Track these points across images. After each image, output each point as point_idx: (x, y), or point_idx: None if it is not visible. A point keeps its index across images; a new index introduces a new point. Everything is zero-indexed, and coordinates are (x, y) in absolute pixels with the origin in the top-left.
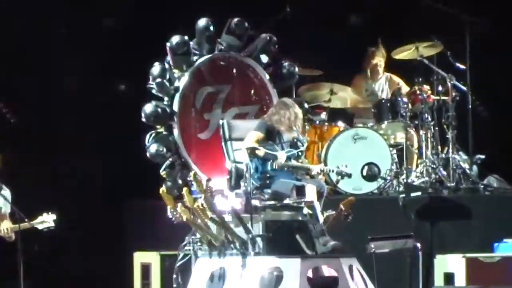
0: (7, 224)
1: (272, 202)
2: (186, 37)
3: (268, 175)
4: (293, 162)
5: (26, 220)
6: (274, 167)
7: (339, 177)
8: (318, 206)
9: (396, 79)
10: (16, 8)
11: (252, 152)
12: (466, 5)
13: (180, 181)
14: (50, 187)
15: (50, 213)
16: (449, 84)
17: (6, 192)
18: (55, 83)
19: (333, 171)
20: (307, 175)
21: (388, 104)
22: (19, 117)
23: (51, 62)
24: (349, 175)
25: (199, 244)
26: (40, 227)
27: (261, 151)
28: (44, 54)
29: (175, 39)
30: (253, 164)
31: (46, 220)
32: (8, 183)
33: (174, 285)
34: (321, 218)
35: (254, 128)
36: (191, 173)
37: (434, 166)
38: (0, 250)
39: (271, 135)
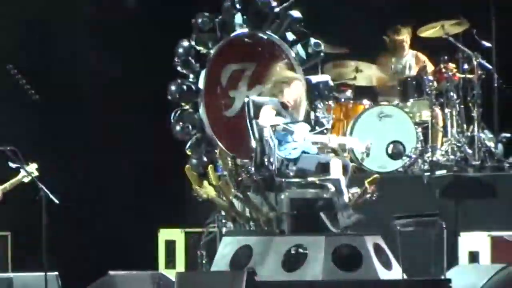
0: None
1: (296, 180)
2: (212, 15)
3: (294, 147)
4: (310, 136)
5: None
6: (296, 140)
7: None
8: (343, 180)
9: (422, 57)
10: None
11: (274, 129)
12: None
13: (205, 159)
14: (74, 161)
15: (29, 163)
16: (475, 62)
17: None
18: (79, 61)
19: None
20: (332, 152)
21: (414, 82)
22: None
23: (76, 40)
24: (368, 154)
25: (224, 221)
26: (26, 180)
27: (280, 127)
28: (68, 32)
29: (201, 16)
30: (277, 141)
31: (30, 171)
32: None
33: (199, 262)
34: (345, 192)
35: (265, 104)
36: (217, 151)
37: (459, 145)
38: (22, 226)
39: (282, 111)
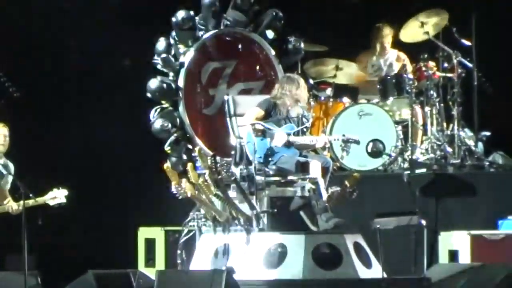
0: (11, 201)
1: (276, 178)
2: (191, 12)
3: (272, 151)
4: (298, 139)
5: (31, 196)
6: (273, 145)
7: (346, 145)
8: (322, 182)
9: (402, 55)
10: None
11: (253, 128)
12: None
13: (184, 157)
14: (54, 161)
15: (60, 188)
16: (455, 61)
17: (9, 167)
18: (61, 58)
19: (338, 139)
20: (312, 151)
21: (394, 81)
22: (25, 90)
23: (57, 36)
24: (357, 142)
25: (203, 220)
26: (51, 203)
27: (260, 127)
28: (52, 29)
29: (181, 14)
30: (257, 140)
31: (58, 196)
32: (13, 157)
33: (178, 261)
34: (324, 195)
35: (256, 105)
36: (196, 149)
37: (439, 143)
38: (3, 225)
39: (273, 112)
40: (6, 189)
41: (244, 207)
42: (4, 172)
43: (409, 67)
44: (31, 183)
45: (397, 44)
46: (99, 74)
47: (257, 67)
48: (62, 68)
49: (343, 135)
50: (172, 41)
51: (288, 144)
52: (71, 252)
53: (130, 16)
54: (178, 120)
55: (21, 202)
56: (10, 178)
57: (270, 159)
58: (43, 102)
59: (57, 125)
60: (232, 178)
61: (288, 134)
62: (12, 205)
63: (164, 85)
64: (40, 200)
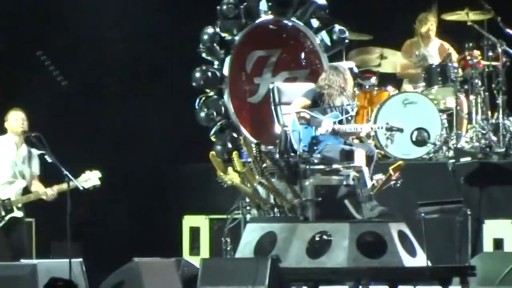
0: (41, 187)
1: (321, 167)
2: (236, 1)
3: (316, 139)
4: (342, 127)
5: (68, 178)
6: (319, 133)
7: (390, 133)
8: (366, 171)
9: (446, 45)
10: None
11: (299, 116)
12: None
13: (229, 145)
14: (99, 149)
15: (93, 170)
16: (499, 50)
17: (35, 154)
18: (107, 47)
19: (382, 127)
20: (357, 139)
21: (438, 69)
22: (70, 81)
23: (102, 26)
24: (401, 130)
25: (248, 208)
26: (86, 185)
27: (306, 115)
28: (94, 19)
29: (226, 3)
30: (302, 128)
31: (91, 178)
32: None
33: (223, 249)
34: (369, 183)
35: (302, 94)
36: (241, 137)
37: (484, 132)
38: (49, 211)
39: (319, 102)
40: (35, 175)
41: (289, 196)
42: (34, 158)
43: (454, 56)
44: (72, 169)
45: (442, 33)
46: (146, 63)
47: (302, 56)
48: (108, 58)
49: (387, 123)
50: (217, 29)
51: (333, 132)
52: (116, 240)
53: (176, 5)
54: (223, 108)
55: (55, 187)
56: (36, 163)
57: (315, 147)
58: (89, 91)
59: (103, 112)
60: (277, 167)
61: (333, 123)
62: (47, 191)
63: (209, 73)
64: (74, 183)
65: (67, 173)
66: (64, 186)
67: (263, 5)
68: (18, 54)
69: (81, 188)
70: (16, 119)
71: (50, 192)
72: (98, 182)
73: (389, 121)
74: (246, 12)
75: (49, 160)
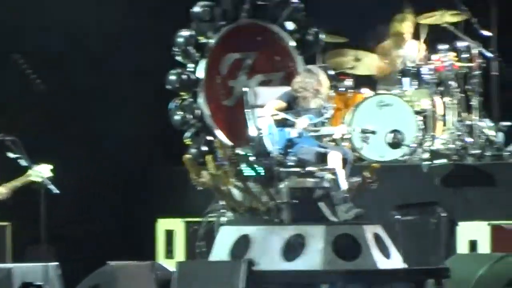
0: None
1: (296, 169)
2: (211, 4)
3: (291, 142)
4: (316, 128)
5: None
6: (294, 133)
7: (365, 136)
8: (341, 173)
9: (422, 46)
10: None
11: (272, 118)
12: None
13: (204, 148)
14: (73, 151)
15: (42, 163)
16: (475, 51)
17: None
18: (80, 48)
19: (356, 130)
20: (332, 141)
21: (413, 71)
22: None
23: (76, 27)
24: (374, 132)
25: (223, 211)
26: (36, 179)
27: (279, 117)
28: (71, 21)
29: (200, 5)
30: (277, 131)
31: (42, 171)
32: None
33: (198, 252)
34: (344, 185)
35: (277, 97)
36: (216, 140)
37: (459, 133)
38: (22, 217)
39: (293, 104)
40: None
41: (264, 198)
42: None
43: (429, 58)
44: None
45: (417, 34)
46: (120, 67)
47: (277, 59)
48: (82, 60)
49: (360, 126)
50: (192, 32)
51: (308, 131)
52: (90, 244)
53: (150, 7)
54: (198, 111)
55: (8, 185)
56: None
57: (290, 150)
58: (64, 92)
59: (77, 114)
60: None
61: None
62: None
63: (184, 76)
64: (23, 179)
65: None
66: (17, 183)
67: (238, 8)
68: None
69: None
70: None
71: (5, 190)
72: (50, 174)
73: (364, 123)
74: (221, 14)
75: (25, 164)
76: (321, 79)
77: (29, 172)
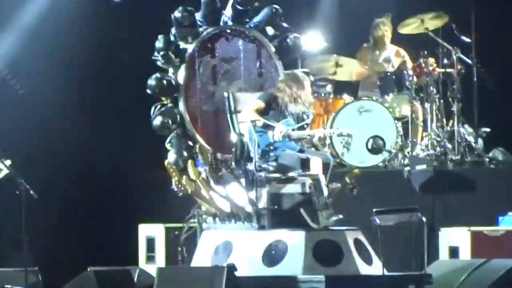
0: None
1: (276, 175)
2: (191, 9)
3: (272, 147)
4: (295, 132)
5: None
6: (273, 139)
7: (346, 141)
8: (323, 179)
9: (402, 52)
10: None
11: (253, 125)
12: None
13: (185, 154)
14: (54, 155)
15: (3, 159)
16: (455, 57)
17: None
18: (62, 55)
19: (334, 133)
20: (312, 146)
21: (394, 77)
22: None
23: (57, 33)
24: (350, 135)
25: (204, 216)
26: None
27: (260, 122)
28: (51, 26)
29: (180, 10)
30: (257, 136)
31: (1, 168)
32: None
33: (179, 258)
34: (325, 191)
35: (257, 97)
36: (197, 146)
37: (439, 139)
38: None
39: (274, 106)
40: None
41: (245, 204)
42: None
43: (409, 63)
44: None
45: (397, 40)
46: (100, 72)
47: (257, 64)
48: (65, 63)
49: (337, 129)
50: (172, 38)
51: (286, 137)
52: (71, 249)
53: (130, 13)
54: (178, 116)
55: None
56: None
57: (270, 154)
58: (46, 96)
59: (57, 121)
60: (232, 175)
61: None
62: None
63: (164, 81)
64: None
65: (22, 181)
66: None
67: (218, 13)
68: None
69: None
70: None
71: None
72: (7, 171)
73: (343, 128)
74: (201, 20)
75: None
76: (304, 85)
77: None
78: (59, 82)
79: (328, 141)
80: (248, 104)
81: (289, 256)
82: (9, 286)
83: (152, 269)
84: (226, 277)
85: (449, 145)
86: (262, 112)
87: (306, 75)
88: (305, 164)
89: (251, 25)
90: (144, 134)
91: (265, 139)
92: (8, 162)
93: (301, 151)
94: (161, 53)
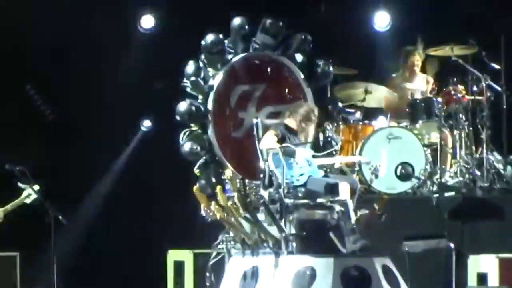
0: None
1: (305, 201)
2: (221, 36)
3: (300, 173)
4: (317, 160)
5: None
6: (296, 164)
7: (374, 168)
8: (350, 204)
9: (430, 79)
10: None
11: (282, 151)
12: (500, 4)
13: (213, 179)
14: (81, 184)
15: (31, 185)
16: (484, 84)
17: None
18: (93, 81)
19: (360, 161)
20: (340, 172)
21: (423, 104)
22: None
23: (89, 59)
24: (368, 163)
25: (232, 242)
26: (28, 201)
27: (275, 149)
28: (83, 53)
29: (210, 37)
30: (285, 163)
31: (31, 193)
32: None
33: (207, 284)
34: (353, 216)
35: (271, 128)
36: (225, 172)
37: (468, 166)
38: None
39: (287, 134)
40: None
41: (273, 230)
42: None
43: (433, 88)
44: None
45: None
46: (128, 98)
47: (286, 90)
48: (92, 91)
49: (359, 161)
50: (201, 64)
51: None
52: (101, 274)
53: (161, 39)
54: (207, 143)
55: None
56: None
57: (298, 181)
58: (75, 124)
59: (87, 148)
60: (261, 201)
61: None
62: None
63: (193, 108)
64: (18, 201)
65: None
66: (8, 207)
67: (247, 40)
68: None
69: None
70: None
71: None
72: (36, 195)
73: (374, 156)
74: (230, 46)
75: (26, 196)
76: (310, 108)
77: (22, 195)
78: (89, 106)
79: (357, 168)
80: (265, 136)
81: (318, 283)
82: None
83: None
84: None
85: (478, 172)
86: (279, 141)
87: (334, 101)
88: (333, 189)
89: (280, 52)
90: (173, 159)
91: (292, 165)
92: (36, 187)
93: (326, 176)
94: (190, 79)
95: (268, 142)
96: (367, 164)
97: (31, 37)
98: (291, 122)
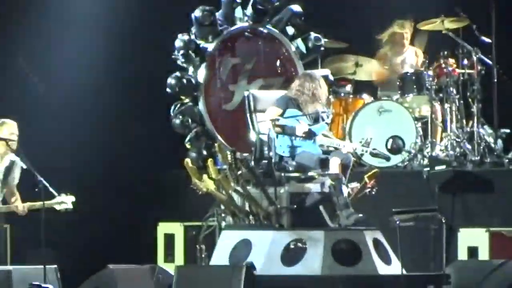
0: (18, 200)
1: (296, 174)
2: (212, 8)
3: (293, 147)
4: (325, 138)
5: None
6: (294, 139)
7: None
8: (342, 179)
9: (420, 52)
10: None
11: (273, 125)
12: None
13: (204, 152)
14: (74, 156)
15: (69, 194)
16: (475, 58)
17: (17, 163)
18: (80, 55)
19: (367, 151)
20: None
21: (413, 77)
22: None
23: (75, 32)
24: (388, 158)
25: (223, 215)
26: (57, 207)
27: (280, 123)
28: (68, 27)
29: (201, 9)
30: (278, 136)
31: (65, 201)
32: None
33: (198, 256)
34: (345, 191)
35: (273, 103)
36: (216, 144)
37: (459, 140)
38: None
39: (291, 108)
40: (13, 185)
41: (264, 203)
42: (16, 167)
43: (424, 62)
44: (46, 175)
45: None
46: (119, 71)
47: (277, 63)
48: (78, 65)
49: (374, 149)
50: (192, 36)
51: (310, 136)
52: (90, 246)
53: (150, 12)
54: (198, 115)
55: (27, 204)
56: (17, 174)
57: (290, 154)
58: (61, 95)
59: (78, 120)
60: (252, 174)
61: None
62: (18, 205)
63: (184, 80)
64: (47, 204)
65: (41, 179)
66: (36, 205)
67: (238, 12)
68: None
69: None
70: (12, 133)
71: (21, 208)
72: (70, 206)
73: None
74: (221, 19)
75: (52, 191)
76: (320, 84)
77: (54, 200)
78: (81, 82)
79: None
80: (267, 111)
81: (308, 256)
82: (37, 283)
83: (171, 268)
84: (245, 276)
85: (469, 146)
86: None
87: (326, 76)
88: (324, 164)
89: (271, 25)
90: (163, 132)
91: (286, 139)
92: (71, 199)
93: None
94: (181, 52)
95: (270, 113)
96: (386, 159)
97: None
98: (298, 93)
